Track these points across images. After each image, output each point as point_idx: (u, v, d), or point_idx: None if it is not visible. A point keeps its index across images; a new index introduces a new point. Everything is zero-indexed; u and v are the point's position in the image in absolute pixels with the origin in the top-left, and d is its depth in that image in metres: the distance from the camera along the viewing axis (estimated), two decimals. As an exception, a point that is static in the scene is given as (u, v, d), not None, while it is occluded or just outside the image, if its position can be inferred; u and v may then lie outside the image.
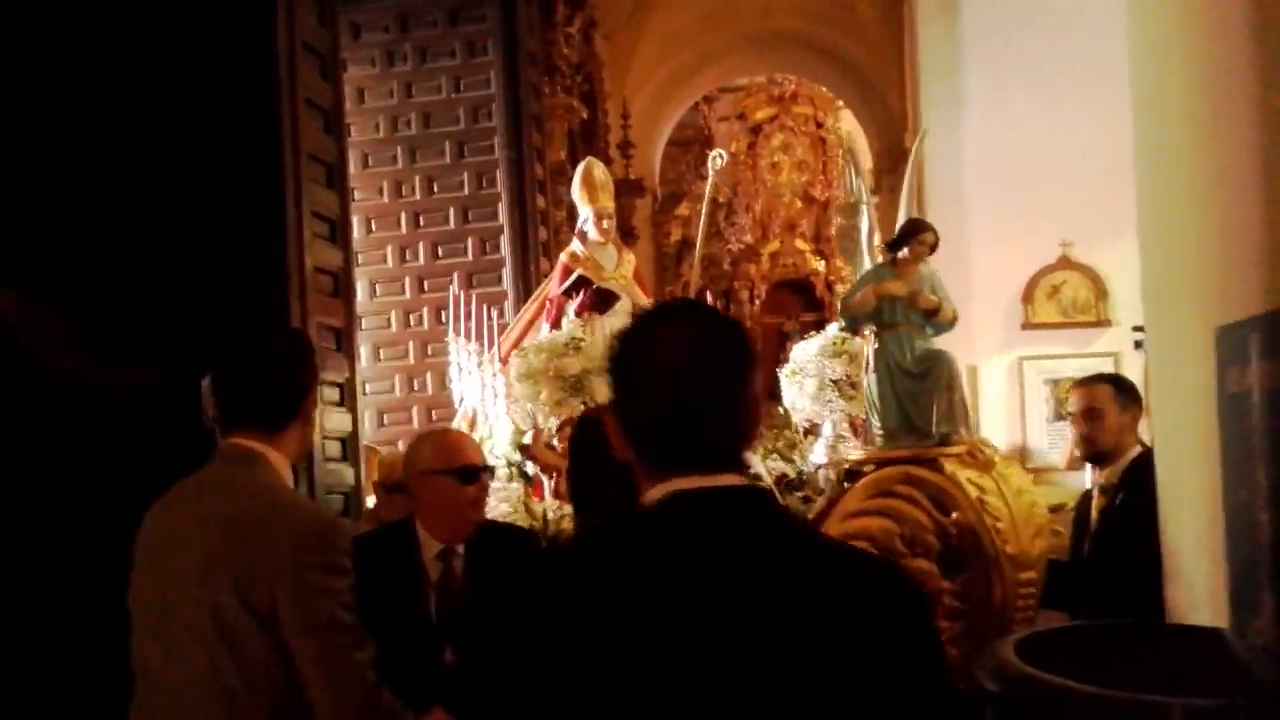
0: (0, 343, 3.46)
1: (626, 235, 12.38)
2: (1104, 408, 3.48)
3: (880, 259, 4.40)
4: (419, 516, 2.55)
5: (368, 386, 6.75)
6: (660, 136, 13.75)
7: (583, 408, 4.46)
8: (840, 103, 15.37)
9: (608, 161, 12.26)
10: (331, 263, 4.41)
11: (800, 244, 17.03)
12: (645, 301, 5.62)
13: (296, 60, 4.24)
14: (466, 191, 6.89)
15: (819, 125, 17.21)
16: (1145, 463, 3.12)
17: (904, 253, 4.17)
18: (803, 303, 17.32)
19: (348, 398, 4.43)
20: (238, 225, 4.01)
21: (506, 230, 6.84)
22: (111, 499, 2.96)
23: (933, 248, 4.20)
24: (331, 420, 4.28)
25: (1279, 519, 1.91)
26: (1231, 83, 2.25)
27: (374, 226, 6.90)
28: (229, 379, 2.16)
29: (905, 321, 4.10)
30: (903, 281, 4.12)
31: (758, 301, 16.96)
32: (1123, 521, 3.33)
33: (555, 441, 4.74)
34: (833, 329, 5.52)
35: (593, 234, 5.54)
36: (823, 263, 16.97)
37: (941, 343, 4.23)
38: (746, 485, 1.33)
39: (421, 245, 6.90)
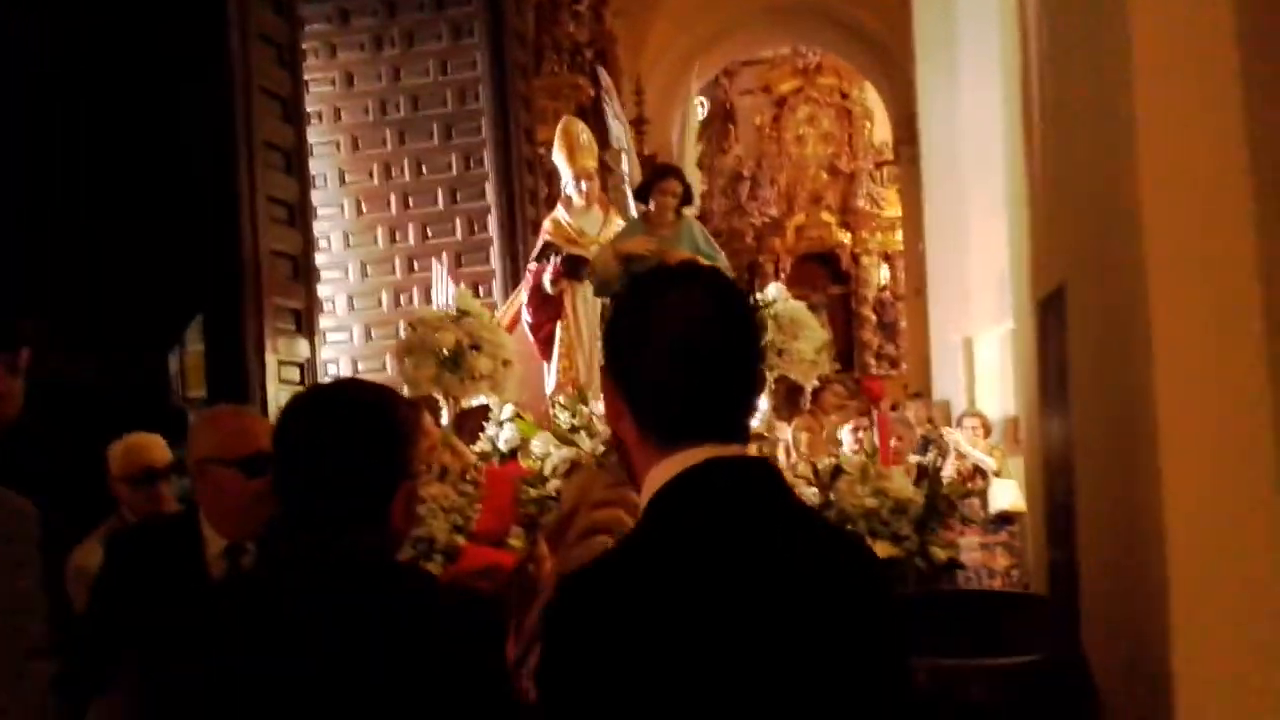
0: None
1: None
2: None
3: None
4: (201, 508, 2.23)
5: (360, 365, 6.91)
6: (677, 111, 13.72)
7: (460, 387, 4.02)
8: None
9: (620, 138, 12.32)
10: (290, 246, 4.55)
11: (826, 216, 16.99)
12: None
13: (250, 49, 4.36)
14: (454, 172, 7.00)
15: (844, 96, 17.12)
16: None
17: (651, 204, 3.60)
18: (829, 275, 17.31)
19: (308, 377, 4.58)
20: (192, 213, 4.15)
21: (494, 210, 6.95)
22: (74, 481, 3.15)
23: (680, 197, 3.52)
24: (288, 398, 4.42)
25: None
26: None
27: (364, 208, 7.05)
28: None
29: None
30: (648, 237, 3.49)
31: (783, 275, 16.94)
32: None
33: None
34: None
35: (575, 199, 5.10)
36: (849, 235, 16.91)
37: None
38: (761, 457, 1.34)
39: (411, 226, 7.03)
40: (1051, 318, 2.15)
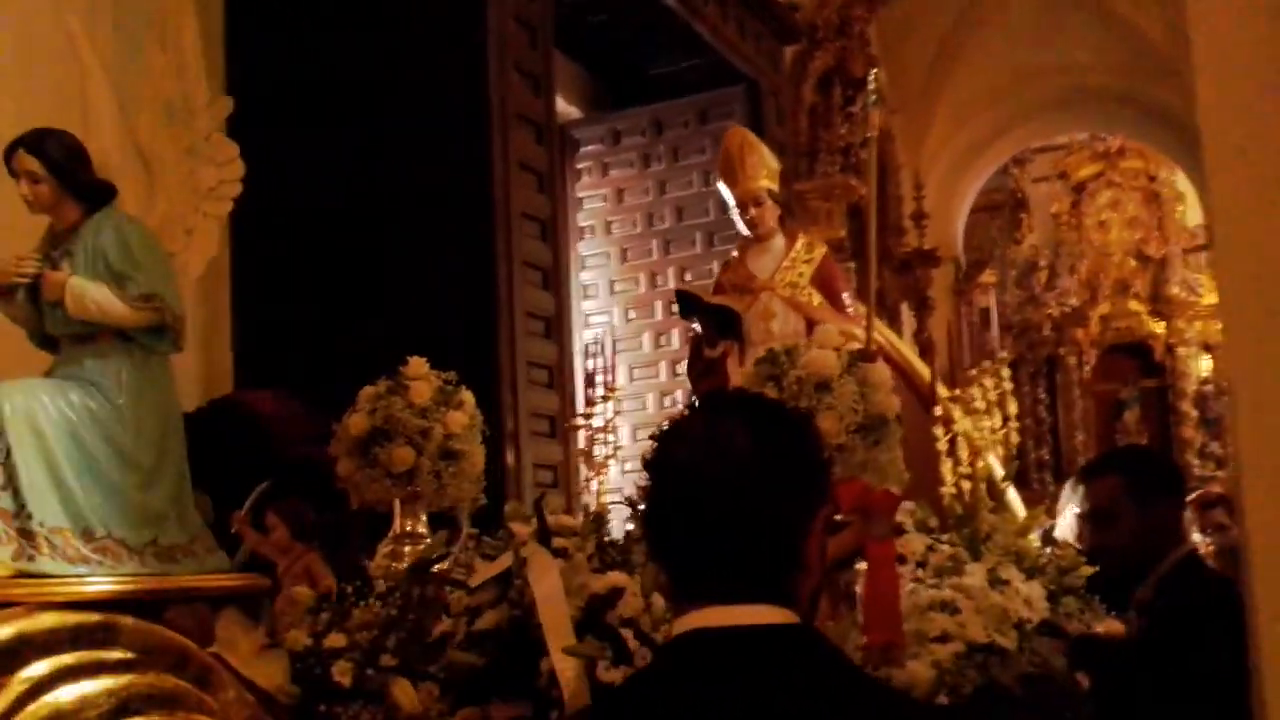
0: (257, 433, 4.15)
1: (922, 307, 12.07)
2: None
3: None
4: None
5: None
6: (961, 204, 13.44)
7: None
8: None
9: (900, 234, 12.15)
10: (545, 357, 4.89)
11: (1134, 305, 15.94)
12: (822, 317, 4.02)
13: (511, 176, 4.78)
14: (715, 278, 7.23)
15: (1152, 179, 16.13)
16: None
17: None
18: (1141, 368, 16.12)
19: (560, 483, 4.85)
20: (454, 328, 4.58)
21: (753, 312, 7.10)
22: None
23: (45, 178, 2.11)
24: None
25: None
26: None
27: (632, 315, 7.41)
28: None
29: (66, 330, 2.19)
30: (30, 254, 2.12)
31: (1087, 368, 15.98)
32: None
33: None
34: None
35: (746, 231, 4.10)
36: (1162, 324, 15.75)
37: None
38: (786, 623, 1.11)
39: (675, 332, 7.30)
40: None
